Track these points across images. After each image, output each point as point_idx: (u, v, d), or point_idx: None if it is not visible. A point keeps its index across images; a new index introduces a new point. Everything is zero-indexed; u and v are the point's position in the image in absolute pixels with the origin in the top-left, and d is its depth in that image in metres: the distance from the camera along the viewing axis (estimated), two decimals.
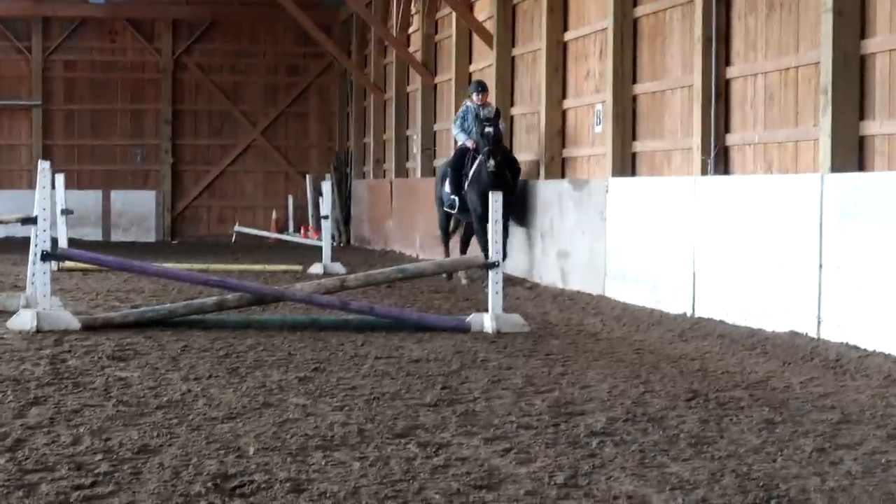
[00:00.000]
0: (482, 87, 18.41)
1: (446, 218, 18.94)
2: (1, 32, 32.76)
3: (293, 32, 32.58)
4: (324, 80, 33.92)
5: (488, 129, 17.06)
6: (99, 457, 6.32)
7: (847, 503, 5.62)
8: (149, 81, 33.50)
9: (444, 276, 17.35)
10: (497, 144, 17.19)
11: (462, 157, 18.12)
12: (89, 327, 11.61)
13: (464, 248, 18.81)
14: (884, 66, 11.02)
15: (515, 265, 17.91)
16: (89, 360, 9.78)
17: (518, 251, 17.98)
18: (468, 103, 18.30)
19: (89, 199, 32.24)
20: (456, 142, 19.07)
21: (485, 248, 15.66)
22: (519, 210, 18.01)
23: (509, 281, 15.59)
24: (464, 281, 17.27)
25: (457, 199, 17.96)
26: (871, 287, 10.39)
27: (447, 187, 18.33)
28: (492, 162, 16.91)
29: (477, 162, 17.55)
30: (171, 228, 33.36)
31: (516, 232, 18.12)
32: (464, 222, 18.68)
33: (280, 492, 5.68)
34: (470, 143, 17.90)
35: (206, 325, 11.96)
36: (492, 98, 21.12)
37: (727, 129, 13.63)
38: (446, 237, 19.19)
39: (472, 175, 17.59)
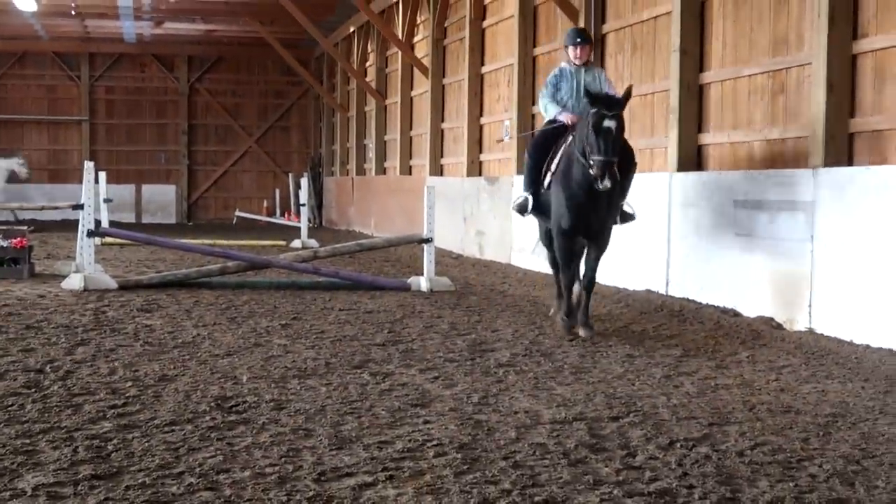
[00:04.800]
0: (581, 37, 9.18)
1: (546, 230, 9.48)
2: (58, 65, 32.47)
3: (279, 66, 32.48)
4: (302, 102, 33.76)
5: (608, 124, 8.00)
6: (129, 384, 6.27)
7: (686, 415, 5.68)
8: (170, 102, 33.23)
9: (554, 306, 9.46)
10: (615, 148, 8.06)
11: (550, 140, 9.04)
12: (124, 287, 11.50)
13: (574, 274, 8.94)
14: (716, 93, 11.08)
15: (445, 241, 17.83)
16: (123, 311, 9.69)
17: (450, 231, 17.87)
18: (563, 64, 9.26)
19: (125, 191, 32.05)
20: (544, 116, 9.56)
21: (566, 276, 8.75)
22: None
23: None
24: (582, 333, 8.40)
25: (530, 197, 9.07)
26: (704, 256, 10.48)
27: (522, 181, 9.52)
28: (607, 183, 7.98)
29: (567, 143, 8.69)
30: (187, 213, 33.17)
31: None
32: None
33: (266, 409, 5.65)
34: (565, 118, 8.97)
35: (212, 285, 11.89)
36: (425, 115, 21.03)
37: None
38: (553, 255, 9.44)
39: (558, 168, 8.69)
